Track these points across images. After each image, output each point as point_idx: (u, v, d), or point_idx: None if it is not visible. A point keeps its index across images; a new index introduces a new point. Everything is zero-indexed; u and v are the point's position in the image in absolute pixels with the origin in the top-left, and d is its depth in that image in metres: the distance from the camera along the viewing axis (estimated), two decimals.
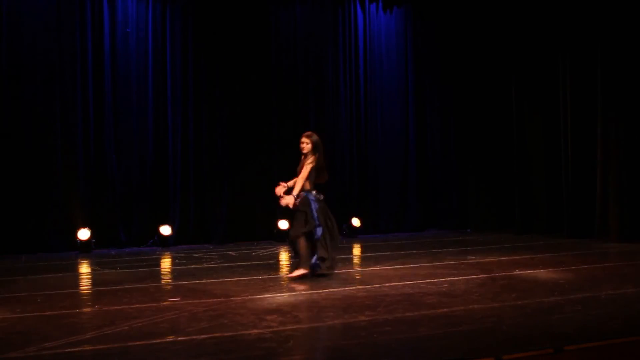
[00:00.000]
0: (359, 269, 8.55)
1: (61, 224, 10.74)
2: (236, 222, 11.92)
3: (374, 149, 13.19)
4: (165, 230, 11.27)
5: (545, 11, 12.06)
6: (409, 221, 13.38)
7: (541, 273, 7.60)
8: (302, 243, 7.34)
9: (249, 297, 6.37)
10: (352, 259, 9.72)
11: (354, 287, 6.92)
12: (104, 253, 10.52)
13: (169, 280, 8.06)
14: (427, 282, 7.11)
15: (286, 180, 7.63)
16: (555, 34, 11.82)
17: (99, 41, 11.15)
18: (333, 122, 12.86)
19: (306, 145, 7.52)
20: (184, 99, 11.76)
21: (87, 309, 6.14)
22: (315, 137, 7.55)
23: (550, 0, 11.90)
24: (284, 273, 8.05)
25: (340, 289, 6.68)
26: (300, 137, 7.62)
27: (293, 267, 7.68)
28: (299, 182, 7.40)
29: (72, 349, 4.55)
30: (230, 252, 10.29)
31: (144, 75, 11.47)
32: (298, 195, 7.34)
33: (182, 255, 10.12)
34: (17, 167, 10.53)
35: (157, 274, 8.50)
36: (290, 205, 7.37)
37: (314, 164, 7.42)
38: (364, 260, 9.66)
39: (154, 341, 4.72)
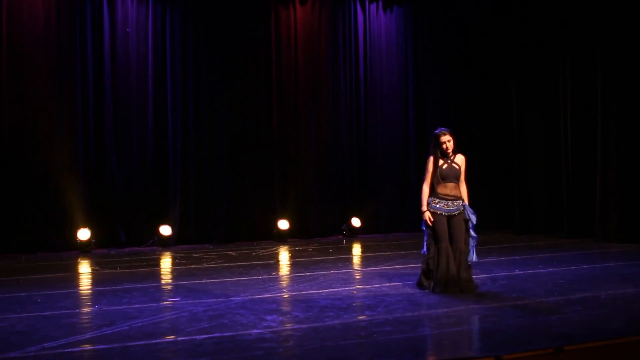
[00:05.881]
0: (359, 269, 8.55)
1: (61, 224, 10.73)
2: (236, 222, 11.91)
3: (374, 148, 13.17)
4: (165, 230, 11.26)
5: (545, 11, 12.04)
6: (409, 221, 13.34)
7: (541, 273, 7.60)
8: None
9: (249, 297, 6.37)
10: (352, 259, 9.72)
11: (354, 287, 6.93)
12: (104, 253, 10.52)
13: (169, 280, 8.06)
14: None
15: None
16: (555, 34, 11.80)
17: (99, 41, 11.13)
18: (333, 122, 12.85)
19: (451, 143, 6.48)
20: (183, 99, 11.75)
21: (87, 309, 6.15)
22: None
23: (551, 0, 11.90)
24: (283, 273, 8.05)
25: (340, 289, 6.68)
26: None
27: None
28: (464, 187, 6.58)
29: (72, 349, 4.56)
30: (230, 252, 10.28)
31: (144, 75, 11.46)
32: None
33: (182, 255, 10.12)
34: (17, 167, 10.51)
35: (157, 274, 8.50)
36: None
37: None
38: (364, 260, 9.66)
39: (154, 341, 4.72)
